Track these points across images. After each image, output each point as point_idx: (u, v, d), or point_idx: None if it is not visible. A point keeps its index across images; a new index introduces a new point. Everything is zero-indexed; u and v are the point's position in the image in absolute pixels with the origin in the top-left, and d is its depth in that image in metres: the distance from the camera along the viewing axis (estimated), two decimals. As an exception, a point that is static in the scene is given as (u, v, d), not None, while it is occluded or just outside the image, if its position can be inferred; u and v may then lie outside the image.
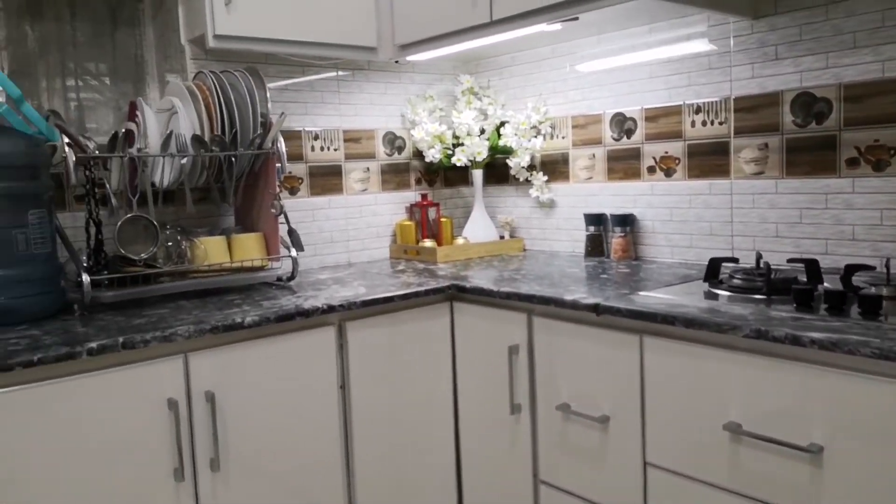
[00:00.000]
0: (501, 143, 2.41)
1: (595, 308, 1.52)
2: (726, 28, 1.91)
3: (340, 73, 2.34)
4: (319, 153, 2.31)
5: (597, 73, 2.22)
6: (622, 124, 2.18)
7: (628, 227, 2.15)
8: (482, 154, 2.40)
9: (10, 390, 1.28)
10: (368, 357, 1.75)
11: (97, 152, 1.68)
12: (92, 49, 2.07)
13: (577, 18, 1.82)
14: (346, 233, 2.39)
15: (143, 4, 2.14)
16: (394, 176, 2.50)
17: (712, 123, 1.96)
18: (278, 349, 1.60)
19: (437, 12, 2.04)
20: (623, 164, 2.19)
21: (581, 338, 1.59)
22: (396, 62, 2.40)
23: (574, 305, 1.57)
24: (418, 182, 2.57)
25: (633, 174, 2.16)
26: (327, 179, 2.34)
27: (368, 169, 2.43)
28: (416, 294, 1.81)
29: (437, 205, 2.50)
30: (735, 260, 1.72)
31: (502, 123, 2.45)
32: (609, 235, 2.22)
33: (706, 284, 1.65)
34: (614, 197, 2.22)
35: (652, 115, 2.10)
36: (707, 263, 1.68)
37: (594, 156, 2.27)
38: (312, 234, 2.30)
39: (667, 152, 2.07)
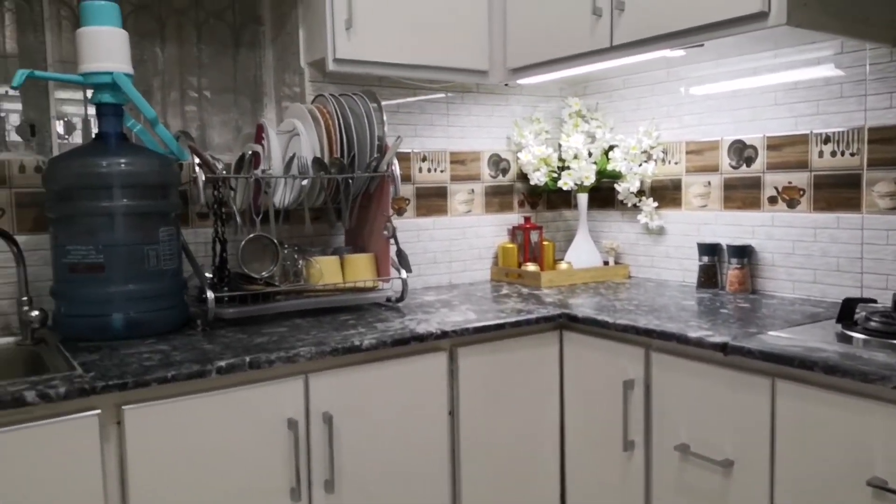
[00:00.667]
0: (610, 167, 2.36)
1: (723, 348, 1.46)
2: (861, 55, 1.81)
3: (449, 95, 2.35)
4: (427, 174, 2.33)
5: (714, 98, 2.15)
6: (741, 152, 2.10)
7: (746, 258, 2.06)
8: (590, 178, 2.35)
9: (143, 406, 1.32)
10: (477, 383, 1.74)
11: (225, 173, 1.73)
12: (214, 70, 2.15)
13: (702, 45, 1.76)
14: (449, 254, 2.39)
15: (264, 27, 2.21)
16: (497, 198, 2.49)
17: (842, 154, 1.87)
18: (392, 372, 1.61)
19: (552, 36, 2.02)
20: (741, 193, 2.10)
21: (704, 377, 1.52)
22: (506, 85, 2.39)
23: (699, 343, 1.51)
24: (521, 204, 2.55)
25: (752, 204, 2.08)
26: (433, 201, 2.35)
27: (473, 191, 2.43)
28: (527, 322, 1.78)
29: (540, 228, 2.47)
30: (872, 300, 1.62)
31: (611, 147, 2.40)
32: (724, 267, 2.14)
33: (839, 326, 1.56)
34: (730, 227, 2.14)
35: (775, 144, 2.01)
36: (841, 303, 1.59)
37: (709, 183, 2.19)
38: (417, 255, 2.31)
39: (790, 182, 1.98)
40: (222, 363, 1.37)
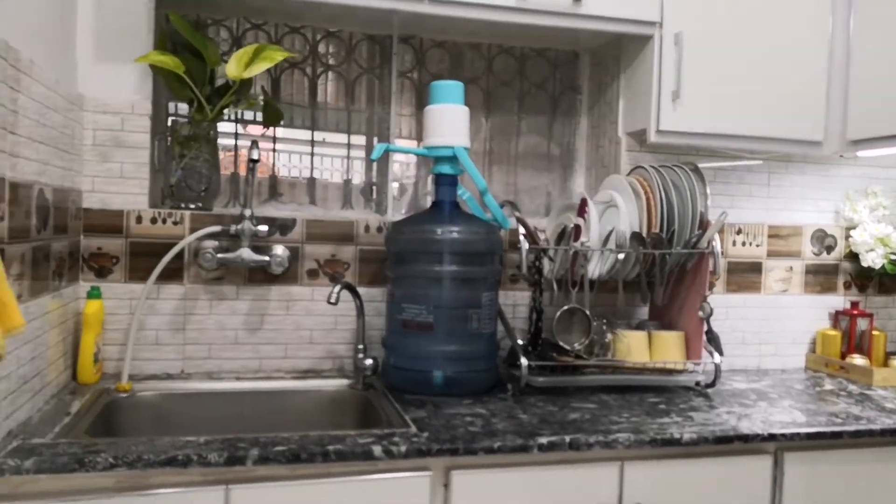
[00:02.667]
0: (970, 253, 2.01)
1: None
2: None
3: (771, 163, 2.18)
4: (740, 248, 2.17)
5: None
6: None
7: None
8: (943, 266, 2.03)
9: (469, 472, 1.37)
10: (804, 496, 1.55)
11: (547, 244, 1.76)
12: (530, 137, 2.23)
13: None
14: (758, 335, 2.20)
15: (581, 96, 2.25)
16: (819, 277, 2.24)
17: None
18: (710, 470, 1.49)
19: (912, 106, 1.78)
20: None
21: None
22: (840, 156, 2.16)
23: None
24: (847, 286, 2.27)
25: None
26: (745, 276, 2.18)
27: (791, 268, 2.22)
28: (869, 433, 1.56)
29: (870, 315, 2.17)
30: None
31: (972, 230, 2.05)
32: None
33: None
34: None
35: None
36: None
37: None
38: (724, 334, 2.14)
39: None
40: (543, 440, 1.38)
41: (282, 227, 1.84)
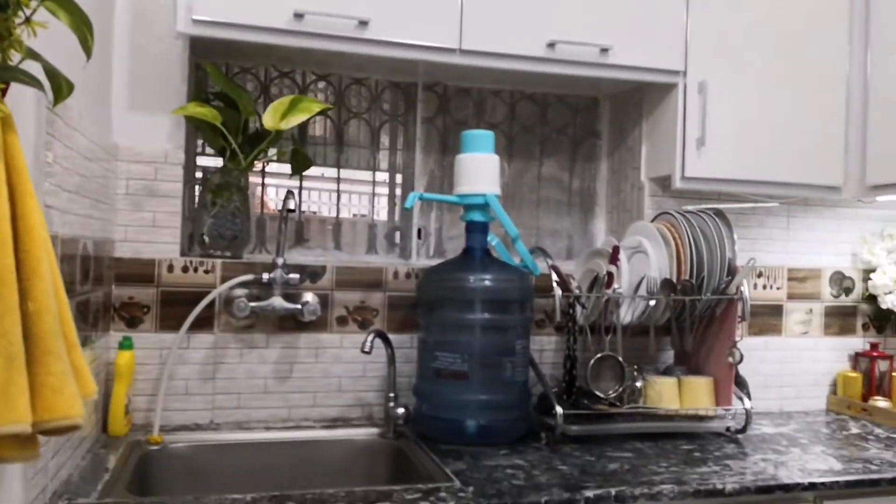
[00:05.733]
0: None
1: None
2: None
3: (791, 207, 2.21)
4: (761, 291, 2.19)
5: None
6: None
7: None
8: (963, 308, 2.05)
9: (516, 526, 1.35)
10: (845, 545, 1.55)
11: (578, 290, 1.77)
12: (551, 182, 2.25)
13: None
14: (780, 378, 2.21)
15: (601, 141, 2.28)
16: (838, 319, 2.26)
17: None
18: (752, 522, 1.49)
19: (932, 154, 1.82)
20: None
21: None
22: (859, 200, 2.20)
23: None
24: (865, 328, 2.29)
25: None
26: (766, 319, 2.20)
27: (811, 311, 2.24)
28: (906, 480, 1.56)
29: (890, 357, 2.19)
30: None
31: None
32: None
33: None
34: None
35: None
36: None
37: None
38: (747, 377, 2.14)
39: None
40: (590, 494, 1.37)
41: (312, 274, 1.83)
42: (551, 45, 1.77)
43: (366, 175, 2.10)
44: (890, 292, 2.18)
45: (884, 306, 2.19)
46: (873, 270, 2.23)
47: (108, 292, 1.67)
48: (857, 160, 2.01)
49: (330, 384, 1.85)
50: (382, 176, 2.12)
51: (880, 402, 2.09)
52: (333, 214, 2.07)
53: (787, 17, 1.94)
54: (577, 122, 2.26)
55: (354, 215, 2.10)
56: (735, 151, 1.91)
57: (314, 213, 2.07)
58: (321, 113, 1.82)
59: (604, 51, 1.81)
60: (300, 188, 2.04)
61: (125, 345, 1.65)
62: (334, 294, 1.85)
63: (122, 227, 1.71)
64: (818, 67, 1.97)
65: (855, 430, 1.97)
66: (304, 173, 1.91)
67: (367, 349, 1.66)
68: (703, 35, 1.88)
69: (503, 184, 2.21)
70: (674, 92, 1.91)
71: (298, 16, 1.61)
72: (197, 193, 1.90)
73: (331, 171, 2.07)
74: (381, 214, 2.11)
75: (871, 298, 2.26)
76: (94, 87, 1.50)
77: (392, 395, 1.77)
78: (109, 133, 1.68)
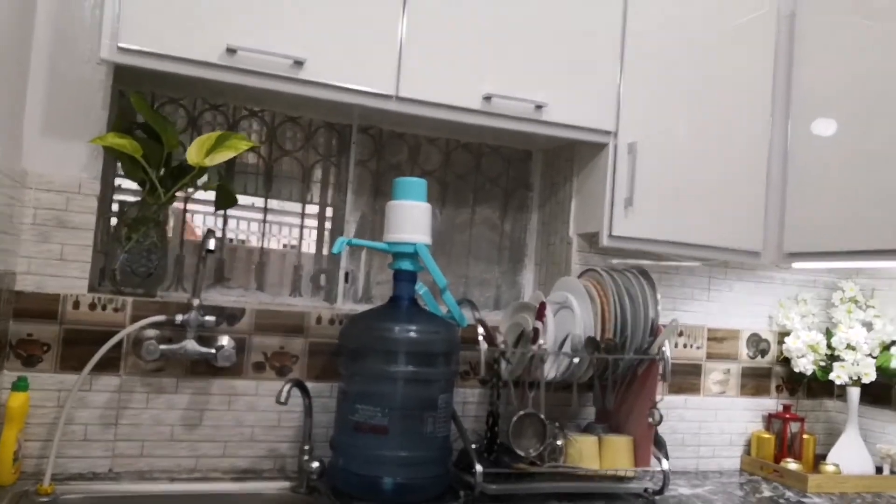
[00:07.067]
0: (893, 364, 2.13)
1: None
2: None
3: (713, 269, 2.27)
4: (682, 350, 2.23)
5: None
6: None
7: None
8: (870, 376, 2.13)
9: None
10: None
11: (504, 345, 1.75)
12: (482, 230, 2.24)
13: None
14: (698, 437, 2.24)
15: (533, 194, 2.29)
16: (753, 380, 2.32)
17: None
18: (666, 589, 1.48)
19: (842, 230, 1.89)
20: None
21: None
22: (777, 266, 2.27)
23: None
24: (779, 389, 2.35)
25: None
26: (686, 378, 2.23)
27: (729, 371, 2.28)
28: (814, 547, 1.59)
29: (801, 419, 2.25)
30: None
31: (893, 342, 2.17)
32: None
33: None
34: None
35: None
36: None
37: None
38: (665, 435, 2.14)
39: None
40: (505, 561, 1.33)
41: (230, 317, 1.76)
42: (487, 98, 1.77)
43: (295, 206, 2.05)
44: (802, 356, 2.25)
45: (796, 369, 2.26)
46: (788, 334, 2.30)
47: (5, 328, 1.56)
48: (776, 227, 2.08)
49: (242, 433, 1.76)
50: (313, 209, 2.06)
51: (791, 465, 2.14)
52: (260, 245, 1.99)
53: (716, 85, 2.01)
54: (511, 173, 2.28)
55: (285, 245, 2.04)
56: (661, 213, 1.94)
57: (242, 241, 1.99)
58: (250, 150, 1.76)
59: (538, 107, 1.82)
60: (225, 217, 1.96)
61: (19, 385, 1.53)
62: (252, 338, 1.78)
63: (25, 258, 1.60)
64: (743, 136, 2.04)
65: (767, 493, 2.00)
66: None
67: (282, 399, 1.59)
68: (636, 98, 1.93)
69: (435, 230, 2.18)
70: (605, 151, 1.95)
71: (231, 51, 1.56)
72: (113, 226, 1.80)
73: (261, 201, 2.01)
74: (310, 251, 2.05)
75: (785, 361, 2.33)
76: (2, 108, 1.41)
77: (307, 447, 1.70)
78: (19, 158, 1.57)
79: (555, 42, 1.84)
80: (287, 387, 1.61)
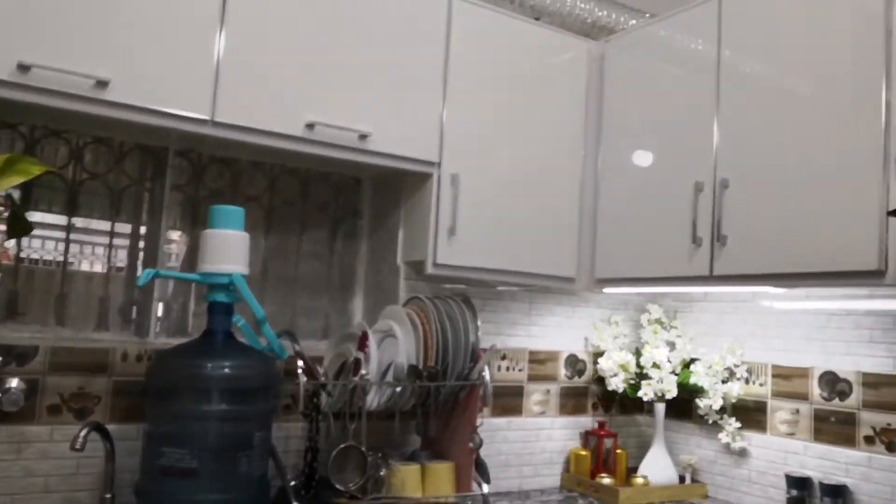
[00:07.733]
0: (692, 380, 2.32)
1: None
2: (966, 306, 1.80)
3: (533, 294, 2.37)
4: (505, 373, 2.31)
5: (804, 325, 2.13)
6: (833, 384, 2.05)
7: (840, 500, 1.96)
8: (671, 392, 2.31)
9: None
10: None
11: (325, 377, 1.72)
12: (310, 259, 2.21)
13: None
14: (521, 457, 2.32)
15: (362, 221, 2.29)
16: (571, 399, 2.44)
17: (948, 404, 1.81)
18: None
19: (646, 256, 2.05)
20: (834, 427, 2.04)
21: None
22: (590, 291, 2.41)
23: None
24: (595, 407, 2.49)
25: (847, 441, 2.00)
26: (509, 400, 2.31)
27: (549, 391, 2.39)
28: (619, 560, 1.68)
29: (614, 436, 2.40)
30: None
31: (692, 360, 2.37)
32: (815, 503, 2.03)
33: None
34: (821, 461, 2.05)
35: (871, 382, 1.97)
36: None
37: (798, 411, 2.13)
38: (490, 457, 2.22)
39: (889, 424, 1.92)
40: None
41: (20, 356, 1.60)
42: (310, 125, 1.75)
43: (104, 225, 1.90)
44: (615, 375, 2.40)
45: (610, 387, 2.41)
46: (601, 354, 2.45)
47: None
48: (589, 254, 2.22)
49: (34, 484, 1.61)
50: (124, 227, 1.93)
51: (605, 480, 2.27)
52: (62, 269, 1.83)
53: (534, 119, 2.11)
54: (339, 200, 2.26)
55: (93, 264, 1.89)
56: (482, 241, 2.01)
57: (41, 262, 1.82)
58: (45, 174, 1.62)
59: (363, 136, 1.83)
60: (17, 261, 1.79)
61: None
62: (47, 379, 1.63)
63: None
64: (559, 168, 2.16)
65: (582, 508, 2.11)
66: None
67: (77, 446, 1.46)
68: (459, 130, 1.98)
69: (259, 258, 2.12)
70: (429, 181, 1.98)
71: (24, 67, 1.44)
72: None
73: (63, 219, 1.85)
74: (121, 276, 1.92)
75: (600, 380, 2.48)
76: None
77: (109, 495, 1.58)
78: None
79: (379, 73, 1.86)
80: (83, 431, 1.49)
